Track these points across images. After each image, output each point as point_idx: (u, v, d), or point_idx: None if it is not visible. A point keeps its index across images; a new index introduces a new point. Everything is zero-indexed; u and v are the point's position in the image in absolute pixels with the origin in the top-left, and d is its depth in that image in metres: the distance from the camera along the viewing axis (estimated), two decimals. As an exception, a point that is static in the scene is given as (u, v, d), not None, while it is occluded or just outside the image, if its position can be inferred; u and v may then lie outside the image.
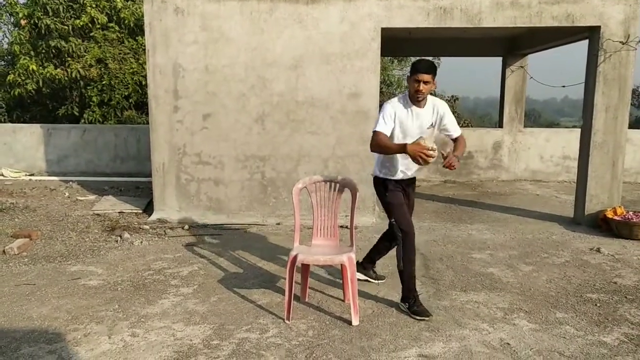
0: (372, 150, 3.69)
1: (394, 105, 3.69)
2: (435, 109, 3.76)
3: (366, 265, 4.30)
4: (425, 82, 3.55)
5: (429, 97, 3.74)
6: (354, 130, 6.16)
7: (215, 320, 3.55)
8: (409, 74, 3.69)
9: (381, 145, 3.60)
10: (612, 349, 3.17)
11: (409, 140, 3.59)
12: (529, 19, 5.86)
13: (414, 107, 3.68)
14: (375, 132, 3.64)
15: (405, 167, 3.82)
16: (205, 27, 6.06)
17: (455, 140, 3.86)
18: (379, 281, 4.30)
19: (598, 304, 3.87)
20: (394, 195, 3.80)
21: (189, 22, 6.06)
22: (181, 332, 3.37)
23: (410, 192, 3.99)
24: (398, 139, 3.69)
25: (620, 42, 5.81)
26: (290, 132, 6.22)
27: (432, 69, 3.57)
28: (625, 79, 5.91)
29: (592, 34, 6.00)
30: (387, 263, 4.80)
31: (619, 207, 5.98)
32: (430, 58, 15.67)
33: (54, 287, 4.12)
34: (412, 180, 4.00)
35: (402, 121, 3.67)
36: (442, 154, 3.62)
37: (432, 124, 3.75)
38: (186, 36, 6.08)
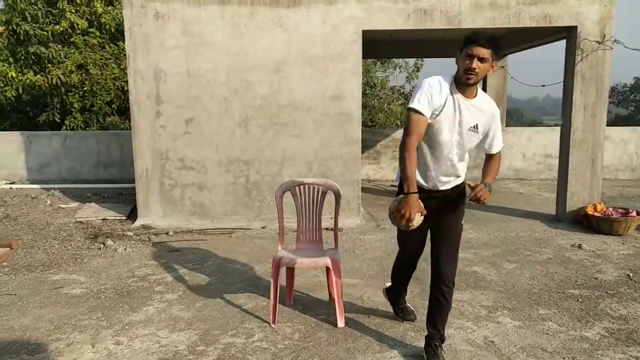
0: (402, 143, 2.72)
1: (439, 82, 2.74)
2: (487, 106, 2.81)
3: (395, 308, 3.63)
4: (482, 59, 2.63)
5: (482, 92, 2.84)
6: (337, 132, 6.18)
7: (201, 326, 3.53)
8: (459, 50, 2.73)
9: (411, 132, 2.68)
10: (593, 344, 3.23)
11: (442, 139, 2.78)
12: (507, 20, 5.94)
13: (459, 95, 2.74)
14: (410, 111, 2.70)
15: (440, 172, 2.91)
16: (186, 32, 6.04)
17: (489, 158, 2.97)
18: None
19: (580, 300, 3.93)
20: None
21: (169, 27, 6.03)
22: (166, 339, 3.35)
23: (444, 209, 2.96)
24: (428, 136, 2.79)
25: (596, 41, 5.91)
26: (274, 135, 6.22)
27: (492, 44, 2.64)
28: (602, 78, 6.02)
29: (569, 34, 6.10)
30: (372, 264, 4.83)
31: (599, 203, 6.08)
32: (412, 60, 15.75)
33: (36, 297, 4.06)
34: (447, 193, 2.96)
35: (438, 109, 2.73)
36: (470, 186, 2.77)
37: (475, 126, 2.80)
38: (167, 41, 6.05)
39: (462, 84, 2.71)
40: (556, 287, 4.20)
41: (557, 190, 6.54)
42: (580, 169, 6.19)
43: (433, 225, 2.99)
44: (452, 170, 2.93)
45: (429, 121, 2.74)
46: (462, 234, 3.04)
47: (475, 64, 2.63)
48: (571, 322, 3.54)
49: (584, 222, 6.04)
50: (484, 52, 2.63)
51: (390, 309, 3.70)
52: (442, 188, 2.94)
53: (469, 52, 2.65)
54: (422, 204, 2.69)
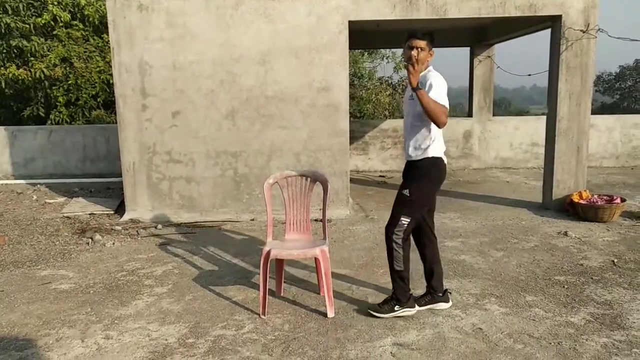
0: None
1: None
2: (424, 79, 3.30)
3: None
4: (421, 49, 3.28)
5: (428, 71, 3.35)
6: (325, 123, 6.17)
7: (191, 319, 3.53)
8: (404, 44, 3.36)
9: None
10: (578, 329, 3.28)
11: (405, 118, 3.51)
12: (492, 10, 5.96)
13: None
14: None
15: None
16: (171, 24, 5.98)
17: None
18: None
19: (566, 286, 3.99)
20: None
21: (153, 19, 5.96)
22: (156, 332, 3.35)
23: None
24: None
25: (580, 30, 5.95)
26: (261, 127, 6.20)
27: (427, 36, 3.30)
28: (587, 67, 6.07)
29: (554, 23, 6.14)
30: (362, 255, 4.86)
31: (585, 191, 6.16)
32: (400, 50, 15.73)
33: (24, 293, 4.03)
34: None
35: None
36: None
37: (411, 95, 3.34)
38: (151, 33, 5.99)
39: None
40: (542, 274, 4.25)
41: (544, 179, 6.61)
42: (565, 157, 6.25)
43: None
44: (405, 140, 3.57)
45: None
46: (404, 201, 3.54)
47: (414, 53, 3.26)
48: (557, 308, 3.59)
49: (570, 209, 6.12)
50: (422, 43, 3.28)
51: (379, 298, 3.72)
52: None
53: (410, 44, 3.30)
54: None
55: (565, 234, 5.35)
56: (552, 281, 4.10)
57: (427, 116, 3.22)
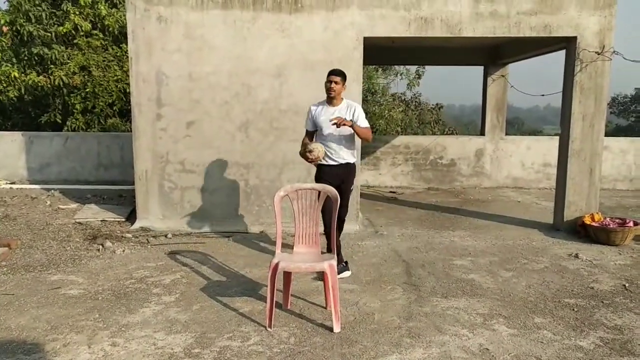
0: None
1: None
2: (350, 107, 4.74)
3: None
4: (336, 82, 4.61)
5: (345, 100, 4.78)
6: (337, 138, 6.19)
7: (197, 329, 3.55)
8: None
9: None
10: (587, 353, 3.24)
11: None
12: (507, 30, 5.98)
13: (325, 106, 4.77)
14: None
15: None
16: (189, 36, 6.08)
17: None
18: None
19: (575, 309, 3.94)
20: None
21: (172, 31, 6.07)
22: (162, 341, 3.36)
23: None
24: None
25: (595, 52, 5.95)
26: (274, 139, 6.25)
27: (341, 74, 4.66)
28: (601, 89, 6.05)
29: (568, 44, 6.14)
30: (370, 270, 4.85)
31: (597, 213, 6.10)
32: (413, 67, 15.87)
33: (33, 297, 4.08)
34: None
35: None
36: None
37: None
38: (169, 44, 6.09)
39: (329, 97, 4.70)
40: (552, 296, 4.21)
41: (555, 200, 6.56)
42: (578, 179, 6.21)
43: None
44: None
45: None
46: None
47: (333, 85, 4.61)
48: (566, 331, 3.55)
49: (581, 231, 6.06)
50: (337, 79, 4.61)
51: (386, 315, 3.72)
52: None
53: (328, 79, 4.64)
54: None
55: (576, 256, 5.29)
56: (561, 304, 4.05)
57: (361, 138, 4.74)
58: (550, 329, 3.58)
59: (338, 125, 4.42)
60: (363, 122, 4.71)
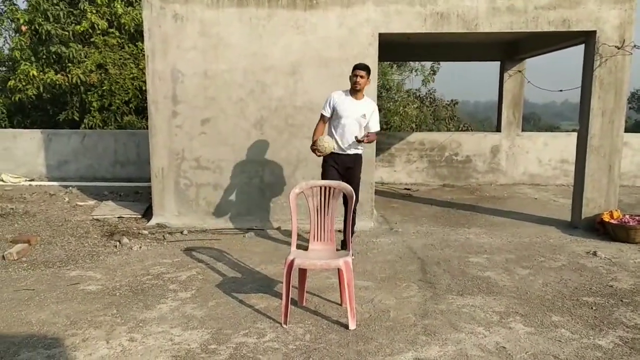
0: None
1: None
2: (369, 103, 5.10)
3: None
4: (362, 77, 4.87)
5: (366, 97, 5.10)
6: (351, 135, 6.18)
7: (213, 325, 3.57)
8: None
9: None
10: (606, 352, 3.20)
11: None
12: (525, 24, 5.90)
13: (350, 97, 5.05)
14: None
15: None
16: (204, 33, 6.11)
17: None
18: None
19: (594, 307, 3.89)
20: None
21: (188, 28, 6.10)
22: (179, 337, 3.39)
23: None
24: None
25: (615, 46, 5.84)
26: (289, 136, 6.26)
27: (366, 68, 4.90)
28: (621, 84, 5.95)
29: (588, 38, 6.04)
30: (385, 267, 4.84)
31: (616, 210, 6.00)
32: (428, 63, 15.76)
33: (53, 292, 4.15)
34: None
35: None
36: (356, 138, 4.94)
37: (363, 115, 5.01)
38: (185, 42, 6.13)
39: (354, 90, 4.97)
40: (570, 294, 4.16)
41: (573, 197, 6.47)
42: (596, 175, 6.12)
43: None
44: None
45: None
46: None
47: (359, 79, 4.87)
48: (584, 330, 3.51)
49: (599, 229, 5.97)
50: (362, 73, 4.85)
51: (402, 312, 3.72)
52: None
53: (354, 73, 4.90)
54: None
55: (595, 254, 5.22)
56: (579, 302, 4.00)
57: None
58: (568, 328, 3.54)
59: (359, 141, 4.88)
60: (375, 125, 5.07)
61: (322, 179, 5.01)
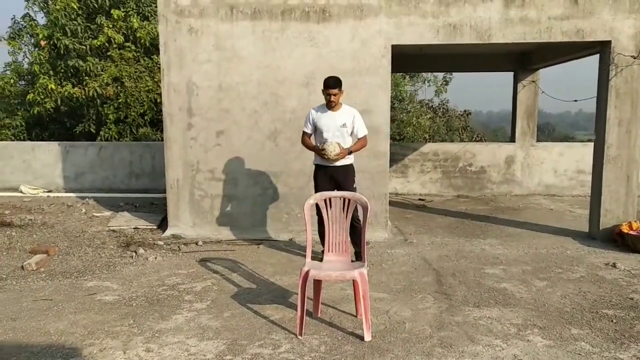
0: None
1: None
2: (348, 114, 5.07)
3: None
4: (335, 94, 4.90)
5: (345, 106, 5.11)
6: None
7: (229, 336, 3.58)
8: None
9: None
10: (628, 366, 3.14)
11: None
12: (538, 35, 5.89)
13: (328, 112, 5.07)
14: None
15: None
16: (219, 46, 6.19)
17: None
18: None
19: (614, 320, 3.83)
20: None
21: (202, 42, 6.19)
22: (195, 348, 3.40)
23: None
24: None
25: (631, 56, 5.80)
26: (302, 148, 6.25)
27: (338, 83, 4.90)
28: (638, 93, 5.89)
29: (602, 48, 6.01)
30: (400, 279, 4.81)
31: (635, 221, 5.91)
32: (441, 74, 15.77)
33: (71, 303, 4.19)
34: None
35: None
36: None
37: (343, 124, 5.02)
38: (200, 55, 6.21)
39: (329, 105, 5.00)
40: (589, 307, 4.10)
41: (590, 207, 6.39)
42: (614, 186, 6.04)
43: None
44: None
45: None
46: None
47: (332, 98, 4.91)
48: (605, 343, 3.45)
49: (618, 240, 5.88)
50: (334, 91, 4.88)
51: (417, 324, 3.69)
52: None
53: (326, 92, 4.91)
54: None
55: (614, 265, 5.14)
56: (599, 314, 3.94)
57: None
58: (588, 341, 3.49)
59: (339, 159, 4.91)
60: (361, 131, 5.06)
61: (315, 192, 4.93)
